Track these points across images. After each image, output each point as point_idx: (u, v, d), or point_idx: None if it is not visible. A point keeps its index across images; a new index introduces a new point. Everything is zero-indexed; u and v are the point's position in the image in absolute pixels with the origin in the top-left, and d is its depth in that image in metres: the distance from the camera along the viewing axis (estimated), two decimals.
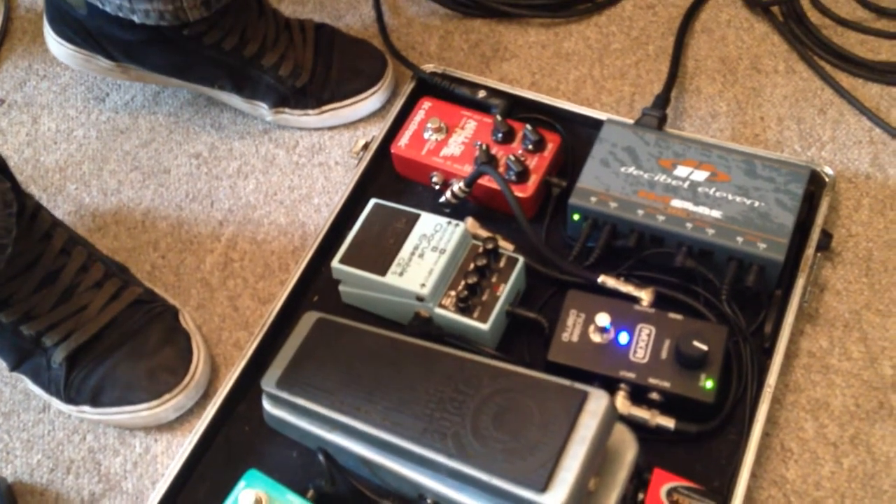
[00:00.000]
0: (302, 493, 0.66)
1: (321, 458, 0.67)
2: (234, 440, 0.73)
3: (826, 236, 0.76)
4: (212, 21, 0.82)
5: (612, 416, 0.61)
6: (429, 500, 0.64)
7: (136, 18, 0.79)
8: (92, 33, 0.85)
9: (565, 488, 0.57)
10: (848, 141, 0.84)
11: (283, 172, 0.89)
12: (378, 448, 0.66)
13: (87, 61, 0.89)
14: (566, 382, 0.62)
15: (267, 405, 0.71)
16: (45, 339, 0.73)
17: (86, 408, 0.74)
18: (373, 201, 0.79)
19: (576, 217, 0.77)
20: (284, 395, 0.68)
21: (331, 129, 0.92)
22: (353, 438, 0.67)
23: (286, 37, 0.88)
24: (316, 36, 0.90)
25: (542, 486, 0.57)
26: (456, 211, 0.82)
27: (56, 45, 0.90)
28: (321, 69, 0.88)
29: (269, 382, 0.70)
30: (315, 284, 0.80)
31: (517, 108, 0.87)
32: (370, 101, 0.90)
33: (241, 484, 0.65)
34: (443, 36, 0.97)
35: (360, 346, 0.69)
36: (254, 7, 0.86)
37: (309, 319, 0.73)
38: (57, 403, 0.76)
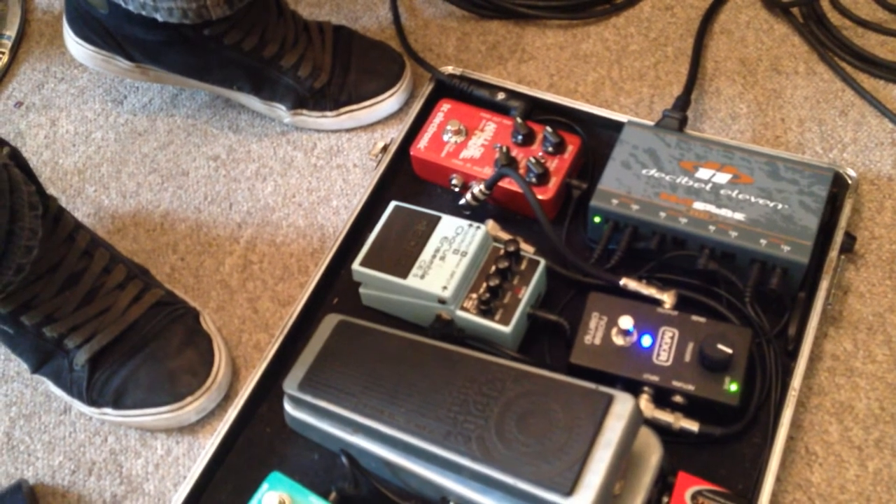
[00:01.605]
0: (324, 495, 0.66)
1: (344, 459, 0.67)
2: (256, 442, 0.73)
3: (850, 238, 0.75)
4: (232, 21, 0.82)
5: (638, 420, 0.61)
6: (451, 503, 0.64)
7: (159, 17, 0.79)
8: (112, 33, 0.86)
9: (591, 492, 0.57)
10: (870, 143, 0.84)
11: (301, 174, 0.89)
12: (401, 450, 0.65)
13: (107, 62, 0.90)
14: (591, 385, 0.62)
15: (289, 407, 0.71)
16: (67, 341, 0.73)
17: (108, 410, 0.74)
18: (393, 203, 0.78)
19: (597, 219, 0.77)
20: (307, 397, 0.68)
21: (349, 131, 0.92)
22: (376, 441, 0.67)
23: (305, 38, 0.88)
24: (335, 38, 0.90)
25: (569, 490, 0.57)
26: (476, 213, 0.82)
27: (75, 46, 0.90)
28: (339, 71, 0.88)
29: (291, 385, 0.69)
30: (335, 287, 0.80)
31: (536, 109, 0.87)
32: (388, 103, 0.90)
33: (265, 486, 0.65)
34: (460, 38, 0.97)
35: (382, 348, 0.69)
36: (273, 8, 0.86)
37: (330, 322, 0.73)
38: (79, 405, 0.76)
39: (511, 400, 0.63)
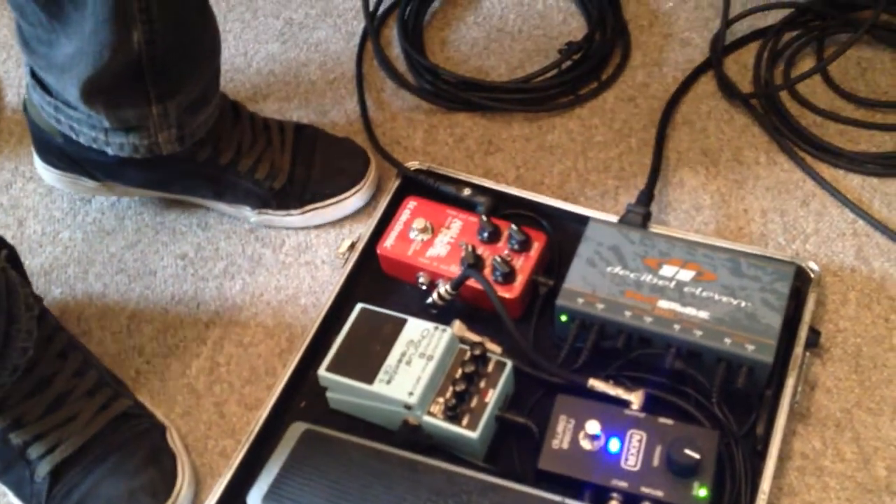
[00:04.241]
0: None
1: None
2: None
3: (814, 333, 0.76)
4: None
5: None
6: None
7: (109, 150, 0.81)
8: (72, 158, 0.88)
9: None
10: (832, 233, 0.85)
11: (269, 272, 0.89)
12: None
13: (74, 183, 0.92)
14: (556, 499, 0.62)
15: None
16: (31, 450, 0.72)
17: None
18: (359, 306, 0.78)
19: (563, 318, 0.77)
20: None
21: (317, 227, 0.92)
22: None
23: (264, 139, 0.89)
24: (296, 136, 0.90)
25: None
26: (444, 310, 0.82)
27: (43, 170, 0.93)
28: (301, 169, 0.89)
29: (255, 498, 0.68)
30: (303, 389, 0.79)
31: (503, 204, 0.87)
32: (353, 200, 0.91)
33: None
34: (427, 130, 0.98)
35: (347, 459, 0.69)
36: (228, 115, 0.87)
37: (295, 431, 0.72)
38: None
39: None
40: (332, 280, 0.88)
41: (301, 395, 0.79)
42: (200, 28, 0.79)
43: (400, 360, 0.73)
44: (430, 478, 0.65)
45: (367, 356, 0.74)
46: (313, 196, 0.89)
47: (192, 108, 0.80)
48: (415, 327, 0.75)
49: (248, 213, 0.91)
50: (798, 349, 0.74)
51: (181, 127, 0.80)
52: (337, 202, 0.90)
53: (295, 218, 0.90)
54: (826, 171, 0.89)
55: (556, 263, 0.83)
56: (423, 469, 0.66)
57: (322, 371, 0.74)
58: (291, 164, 0.89)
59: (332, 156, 0.90)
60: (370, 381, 0.73)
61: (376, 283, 0.85)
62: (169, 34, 0.73)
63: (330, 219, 0.91)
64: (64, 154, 0.87)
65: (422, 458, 0.67)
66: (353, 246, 0.86)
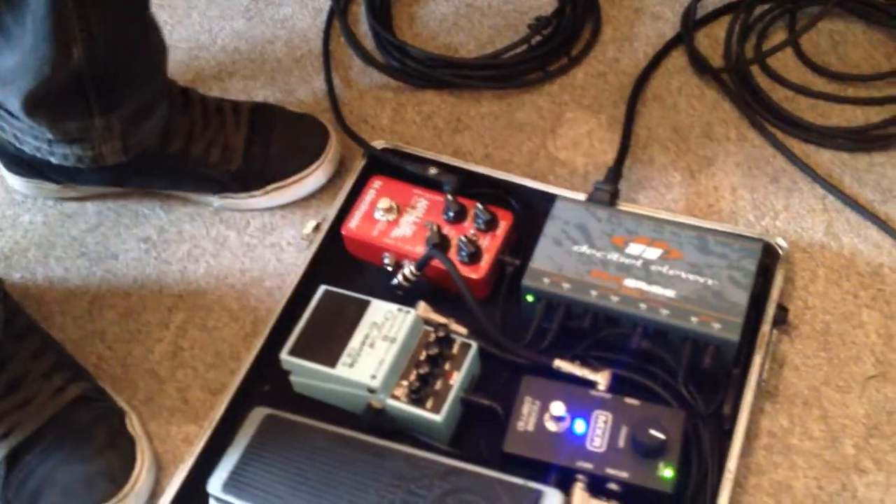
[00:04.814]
0: None
1: None
2: None
3: (782, 310, 0.75)
4: None
5: None
6: None
7: (53, 160, 0.80)
8: (29, 163, 0.86)
9: None
10: (801, 209, 0.84)
11: (234, 255, 0.88)
12: None
13: (39, 188, 0.91)
14: (519, 481, 0.61)
15: None
16: None
17: None
18: (322, 288, 0.77)
19: (530, 298, 0.76)
20: (232, 499, 0.66)
21: (282, 207, 0.90)
22: None
23: (217, 122, 0.87)
24: (251, 117, 0.88)
25: None
26: (410, 292, 0.80)
27: (9, 177, 0.92)
28: (258, 149, 0.87)
29: (215, 486, 0.67)
30: (268, 373, 0.78)
31: (470, 183, 0.86)
32: (314, 177, 0.89)
33: None
34: (395, 108, 0.97)
35: (309, 444, 0.67)
36: (178, 103, 0.85)
37: (256, 416, 0.71)
38: None
39: (439, 498, 0.61)
40: (297, 262, 0.86)
41: (266, 380, 0.78)
42: (143, 41, 0.78)
43: (363, 343, 0.72)
44: (393, 462, 0.64)
45: (329, 339, 0.73)
46: (274, 175, 0.87)
47: (137, 118, 0.80)
48: (378, 309, 0.74)
49: (212, 198, 0.89)
50: (765, 327, 0.73)
51: (125, 138, 0.80)
52: (298, 180, 0.88)
53: (258, 199, 0.89)
54: (797, 146, 0.88)
55: (523, 243, 0.82)
56: (386, 454, 0.65)
57: (284, 354, 0.73)
58: (247, 144, 0.87)
59: (291, 133, 0.89)
60: (333, 364, 0.71)
61: (342, 265, 0.84)
62: (110, 49, 0.73)
63: (293, 198, 0.89)
64: (21, 160, 0.86)
65: (385, 442, 0.66)
66: (317, 227, 0.85)
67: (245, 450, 0.68)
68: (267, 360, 0.78)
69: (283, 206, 0.90)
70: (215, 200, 0.89)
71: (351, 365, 0.71)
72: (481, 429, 0.73)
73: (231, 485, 0.67)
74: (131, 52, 0.77)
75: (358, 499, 0.63)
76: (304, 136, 0.89)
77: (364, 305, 0.74)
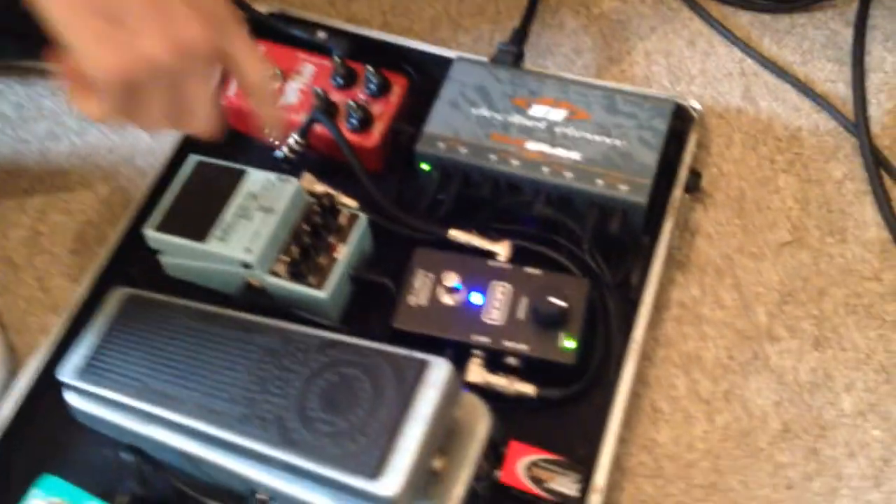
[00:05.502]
0: (113, 497, 0.57)
1: (125, 456, 0.58)
2: (39, 440, 0.63)
3: (695, 176, 0.70)
4: None
5: (455, 388, 0.54)
6: (260, 496, 0.56)
7: None
8: None
9: (401, 473, 0.50)
10: (718, 73, 0.78)
11: (101, 132, 0.79)
12: (197, 440, 0.57)
13: None
14: (403, 352, 0.55)
15: (69, 398, 0.61)
16: None
17: None
18: (193, 158, 0.69)
19: (425, 167, 0.69)
20: (87, 386, 0.59)
21: None
22: (170, 431, 0.58)
23: None
24: None
25: (374, 472, 0.50)
26: (297, 167, 0.73)
27: None
28: None
29: (67, 372, 0.60)
30: (135, 256, 0.70)
31: (364, 50, 0.78)
32: None
33: (34, 492, 0.56)
34: None
35: (173, 323, 0.60)
36: None
37: (116, 297, 0.63)
38: None
39: (315, 373, 0.55)
40: (172, 138, 0.77)
41: (134, 264, 0.70)
42: None
43: (238, 215, 0.65)
44: (264, 338, 0.57)
45: (200, 212, 0.65)
46: None
47: None
48: (256, 179, 0.66)
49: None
50: (677, 191, 0.68)
51: None
52: None
53: None
54: (714, 8, 0.82)
55: (423, 113, 0.75)
56: (257, 329, 0.58)
57: (148, 230, 0.65)
58: None
59: None
60: (202, 238, 0.64)
61: (223, 139, 0.76)
62: None
63: None
64: None
65: (257, 318, 0.60)
66: None
67: (102, 332, 0.61)
68: (134, 243, 0.70)
69: None
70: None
71: (223, 239, 0.64)
72: (374, 309, 0.67)
73: (86, 370, 0.59)
74: None
75: (225, 377, 0.56)
76: None
77: (239, 175, 0.67)
